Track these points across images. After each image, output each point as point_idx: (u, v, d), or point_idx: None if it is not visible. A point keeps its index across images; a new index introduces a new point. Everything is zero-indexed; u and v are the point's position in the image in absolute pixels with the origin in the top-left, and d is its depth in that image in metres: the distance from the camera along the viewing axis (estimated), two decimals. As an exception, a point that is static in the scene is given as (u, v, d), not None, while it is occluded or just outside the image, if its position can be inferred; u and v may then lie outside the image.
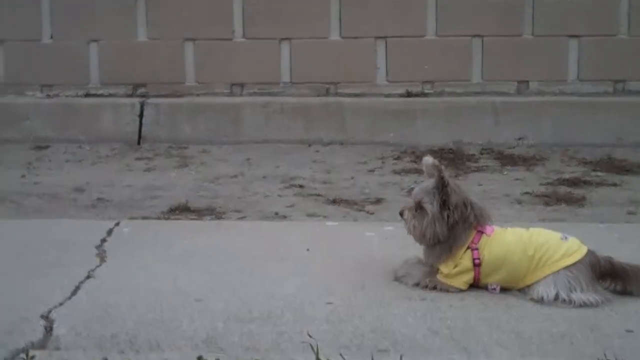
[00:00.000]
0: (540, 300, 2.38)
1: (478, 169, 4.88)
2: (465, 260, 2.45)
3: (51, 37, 5.78)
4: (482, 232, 2.46)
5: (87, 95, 5.77)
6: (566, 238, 2.47)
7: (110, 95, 5.79)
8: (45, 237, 3.16)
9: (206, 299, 2.42)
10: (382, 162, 5.07)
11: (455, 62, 5.72)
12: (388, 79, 5.77)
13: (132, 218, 3.73)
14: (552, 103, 5.57)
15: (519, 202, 4.14)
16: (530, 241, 2.44)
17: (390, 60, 5.75)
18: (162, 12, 5.76)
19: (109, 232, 3.18)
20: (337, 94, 5.79)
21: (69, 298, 2.43)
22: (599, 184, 4.48)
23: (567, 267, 2.38)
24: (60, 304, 2.38)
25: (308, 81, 5.78)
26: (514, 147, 5.30)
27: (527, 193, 4.28)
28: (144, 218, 3.78)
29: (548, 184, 4.49)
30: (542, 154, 5.16)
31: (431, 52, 5.71)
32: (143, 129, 5.55)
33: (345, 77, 5.77)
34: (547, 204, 4.08)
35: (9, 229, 3.34)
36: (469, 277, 2.46)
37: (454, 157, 5.09)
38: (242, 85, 5.82)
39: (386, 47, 5.73)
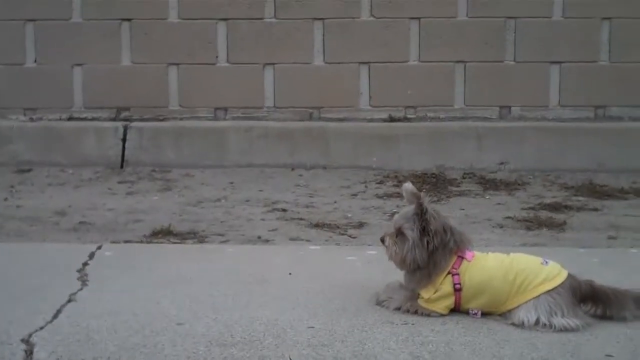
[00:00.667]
0: (521, 325, 2.38)
1: (460, 194, 4.91)
2: (445, 285, 2.45)
3: (35, 61, 5.79)
4: (462, 258, 2.47)
5: (70, 118, 5.77)
6: (547, 263, 2.48)
7: (94, 119, 5.79)
8: (27, 260, 3.14)
9: (188, 322, 2.41)
10: (365, 187, 5.09)
11: (438, 87, 5.77)
12: (371, 103, 5.81)
13: (114, 242, 3.72)
14: (534, 128, 5.63)
15: (501, 226, 4.17)
16: (511, 266, 2.46)
17: (374, 85, 5.80)
18: (146, 37, 5.78)
19: (91, 255, 3.16)
20: (320, 119, 5.83)
21: (50, 322, 2.41)
22: (580, 209, 4.52)
23: (548, 292, 2.39)
24: (41, 328, 2.35)
25: (292, 106, 5.82)
26: (496, 172, 5.35)
27: (508, 217, 4.31)
28: (126, 242, 3.77)
29: (529, 208, 4.52)
30: (524, 179, 5.22)
31: (414, 77, 5.77)
32: (126, 152, 5.55)
33: (329, 102, 5.81)
34: (528, 228, 4.11)
35: (-10, 252, 3.32)
36: (449, 301, 2.46)
37: (437, 182, 5.12)
38: (225, 110, 5.84)
39: (369, 72, 5.78)
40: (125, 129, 5.61)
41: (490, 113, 5.79)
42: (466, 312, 2.49)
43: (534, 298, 2.40)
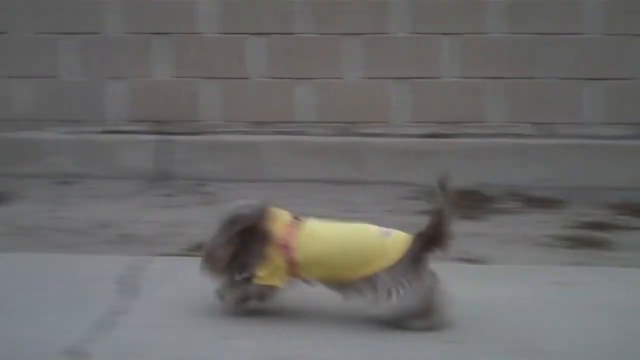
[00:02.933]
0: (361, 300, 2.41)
1: (500, 211, 4.86)
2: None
3: (74, 74, 5.84)
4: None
5: (109, 132, 5.80)
6: (388, 234, 2.48)
7: (132, 132, 5.82)
8: (69, 271, 3.16)
9: (239, 338, 2.41)
10: (401, 202, 5.05)
11: (475, 103, 5.73)
12: (407, 119, 5.78)
13: (155, 254, 3.72)
14: (573, 145, 5.55)
15: (544, 244, 4.11)
16: (349, 239, 2.49)
17: (411, 101, 5.77)
18: (183, 50, 5.82)
19: (133, 267, 3.17)
20: (356, 134, 5.80)
21: (93, 333, 2.42)
22: (623, 228, 4.45)
23: (385, 269, 2.39)
24: (84, 339, 2.37)
25: (327, 120, 5.80)
26: (535, 189, 5.28)
27: (551, 236, 4.24)
28: (166, 254, 3.77)
29: (572, 227, 4.46)
30: (564, 197, 5.13)
31: (451, 94, 5.73)
32: (163, 166, 5.58)
33: (365, 117, 5.78)
34: (571, 247, 4.05)
35: (34, 263, 3.34)
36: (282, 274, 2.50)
37: (476, 199, 5.06)
38: (261, 124, 5.84)
39: (404, 87, 5.75)
40: (163, 142, 5.64)
41: (529, 130, 5.72)
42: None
43: (371, 275, 2.39)
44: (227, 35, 5.79)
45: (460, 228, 2.50)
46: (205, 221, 4.43)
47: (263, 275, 2.49)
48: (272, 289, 2.53)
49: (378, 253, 2.42)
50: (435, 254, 2.44)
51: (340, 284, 2.47)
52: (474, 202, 4.95)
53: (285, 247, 2.48)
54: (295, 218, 2.58)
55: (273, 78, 5.81)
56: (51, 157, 5.61)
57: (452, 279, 2.49)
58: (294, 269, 2.49)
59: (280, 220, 2.55)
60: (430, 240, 2.42)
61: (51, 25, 5.81)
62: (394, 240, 2.46)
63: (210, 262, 2.55)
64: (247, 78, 5.83)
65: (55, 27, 5.81)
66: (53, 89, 5.87)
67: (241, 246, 2.51)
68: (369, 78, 5.77)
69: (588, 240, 4.15)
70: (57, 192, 5.20)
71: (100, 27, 5.80)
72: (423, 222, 2.48)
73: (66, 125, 5.82)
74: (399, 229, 2.56)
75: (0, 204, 4.81)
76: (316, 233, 2.52)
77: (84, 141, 5.75)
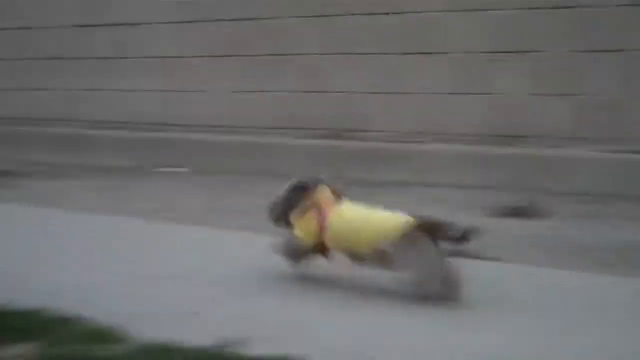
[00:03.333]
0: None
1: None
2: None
3: (607, 92, 5.67)
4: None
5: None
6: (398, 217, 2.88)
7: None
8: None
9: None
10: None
11: None
12: None
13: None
14: None
15: None
16: (366, 221, 2.97)
17: None
18: None
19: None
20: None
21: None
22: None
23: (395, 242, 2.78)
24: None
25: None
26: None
27: None
28: None
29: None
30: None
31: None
32: None
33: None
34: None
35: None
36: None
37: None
38: None
39: None
40: None
41: None
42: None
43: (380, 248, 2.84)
44: None
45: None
46: None
47: (300, 233, 3.06)
48: (306, 249, 3.07)
49: (387, 230, 2.84)
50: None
51: (358, 256, 2.96)
52: None
53: (321, 215, 3.01)
54: (339, 197, 3.12)
55: None
56: (582, 175, 5.46)
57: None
58: (323, 236, 3.01)
59: (325, 194, 3.10)
60: (432, 227, 2.79)
61: (586, 44, 5.68)
62: (401, 221, 2.84)
63: (271, 213, 3.19)
64: None
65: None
66: (587, 107, 5.72)
67: (292, 205, 3.10)
68: None
69: None
70: (582, 211, 5.00)
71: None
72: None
73: (598, 143, 5.61)
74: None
75: (529, 219, 4.76)
76: (344, 213, 3.03)
77: (618, 160, 5.48)
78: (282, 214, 3.15)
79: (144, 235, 4.08)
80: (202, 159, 6.97)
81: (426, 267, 2.76)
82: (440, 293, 2.72)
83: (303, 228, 3.05)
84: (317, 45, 6.76)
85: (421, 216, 2.84)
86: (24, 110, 8.31)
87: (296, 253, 3.11)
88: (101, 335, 2.28)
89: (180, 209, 5.11)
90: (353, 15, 6.58)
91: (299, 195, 3.11)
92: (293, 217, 3.10)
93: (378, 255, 2.84)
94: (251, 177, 6.25)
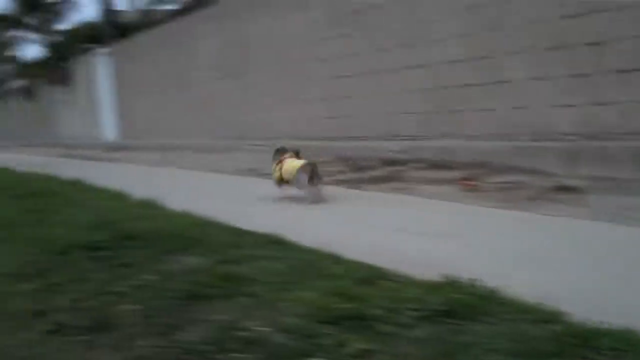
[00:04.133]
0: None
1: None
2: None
3: None
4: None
5: None
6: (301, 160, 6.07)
7: None
8: None
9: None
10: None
11: None
12: None
13: None
14: None
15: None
16: (291, 164, 5.98)
17: None
18: None
19: None
20: None
21: None
22: None
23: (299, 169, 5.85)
24: None
25: None
26: None
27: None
28: None
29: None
30: None
31: None
32: None
33: None
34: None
35: None
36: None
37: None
38: None
39: None
40: None
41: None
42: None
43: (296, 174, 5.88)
44: None
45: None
46: None
47: (275, 176, 6.09)
48: (277, 180, 6.08)
49: (296, 166, 5.83)
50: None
51: (290, 182, 5.92)
52: None
53: (281, 164, 6.04)
54: (292, 156, 6.14)
55: None
56: None
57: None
58: (281, 174, 6.01)
59: (285, 154, 6.14)
60: (312, 165, 5.83)
61: None
62: (302, 162, 5.86)
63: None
64: None
65: None
66: None
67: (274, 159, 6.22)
68: None
69: None
70: None
71: None
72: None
73: None
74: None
75: None
76: (288, 163, 5.95)
77: None
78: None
79: None
80: None
81: (307, 186, 5.76)
82: (315, 199, 5.73)
83: (275, 170, 6.12)
84: None
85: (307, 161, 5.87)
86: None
87: (276, 182, 6.14)
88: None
89: None
90: None
91: (276, 155, 6.23)
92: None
93: (294, 179, 5.85)
94: None
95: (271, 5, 11.79)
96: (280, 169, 5.94)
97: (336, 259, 3.34)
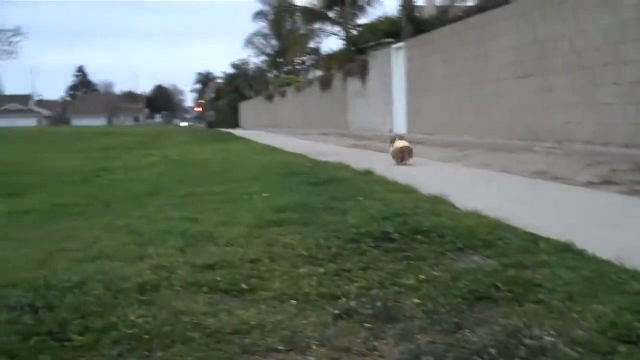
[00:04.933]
0: None
1: None
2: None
3: None
4: None
5: None
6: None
7: None
8: None
9: None
10: None
11: None
12: None
13: None
14: None
15: None
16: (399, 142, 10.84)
17: None
18: None
19: None
20: None
21: None
22: None
23: None
24: None
25: None
26: None
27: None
28: None
29: None
30: None
31: None
32: None
33: None
34: None
35: None
36: None
37: None
38: None
39: None
40: None
41: None
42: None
43: None
44: None
45: None
46: None
47: (390, 150, 10.71)
48: (393, 155, 10.55)
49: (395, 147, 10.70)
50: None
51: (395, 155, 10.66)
52: None
53: (394, 144, 10.71)
54: (397, 139, 10.86)
55: None
56: None
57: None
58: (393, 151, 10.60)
59: (397, 139, 10.84)
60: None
61: None
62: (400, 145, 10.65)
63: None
64: None
65: None
66: None
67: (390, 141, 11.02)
68: None
69: None
70: None
71: None
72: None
73: None
74: None
75: None
76: (396, 143, 10.64)
77: None
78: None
79: None
80: None
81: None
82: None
83: (390, 149, 10.49)
84: None
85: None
86: None
87: (393, 156, 10.32)
88: None
89: None
90: None
91: (392, 139, 10.77)
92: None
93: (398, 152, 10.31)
94: None
95: (574, 4, 11.27)
96: (393, 147, 10.48)
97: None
